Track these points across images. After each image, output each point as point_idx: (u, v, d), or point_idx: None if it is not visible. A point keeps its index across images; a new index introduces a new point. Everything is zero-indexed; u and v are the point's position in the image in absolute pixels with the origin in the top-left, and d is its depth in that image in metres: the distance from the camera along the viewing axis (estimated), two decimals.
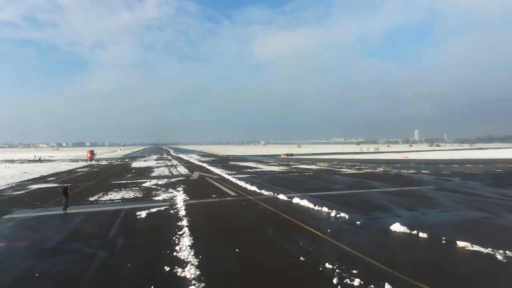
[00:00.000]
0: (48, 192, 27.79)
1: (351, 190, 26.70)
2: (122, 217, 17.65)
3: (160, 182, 33.43)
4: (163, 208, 19.84)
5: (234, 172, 45.31)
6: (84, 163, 73.03)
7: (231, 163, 70.31)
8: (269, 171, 48.53)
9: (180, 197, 23.35)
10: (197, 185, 31.72)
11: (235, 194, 24.86)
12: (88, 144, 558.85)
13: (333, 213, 17.50)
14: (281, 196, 23.02)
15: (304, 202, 20.34)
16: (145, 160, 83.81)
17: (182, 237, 13.38)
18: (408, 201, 21.56)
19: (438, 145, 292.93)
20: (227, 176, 38.87)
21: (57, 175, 43.69)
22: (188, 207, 20.03)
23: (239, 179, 35.16)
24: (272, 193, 24.60)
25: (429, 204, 20.31)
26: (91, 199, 23.85)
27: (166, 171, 48.42)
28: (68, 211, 19.48)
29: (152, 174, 43.86)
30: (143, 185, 31.79)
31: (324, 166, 56.27)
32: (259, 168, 54.50)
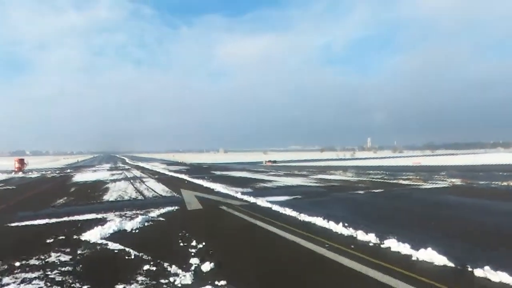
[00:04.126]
0: None
1: None
2: None
3: (127, 226, 14.04)
4: None
5: (250, 190, 27.01)
6: (5, 176, 49.73)
7: (217, 173, 51.30)
8: (297, 185, 30.85)
9: None
10: (232, 239, 12.54)
11: None
12: (28, 152, 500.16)
13: None
14: None
15: None
16: (94, 171, 61.54)
17: None
18: None
19: (401, 152, 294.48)
20: (256, 201, 20.42)
21: None
22: None
23: (289, 206, 17.10)
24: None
25: None
26: None
27: (130, 190, 28.62)
28: None
29: (105, 198, 24.06)
30: (84, 236, 12.50)
31: (352, 177, 39.58)
32: (272, 180, 36.34)
